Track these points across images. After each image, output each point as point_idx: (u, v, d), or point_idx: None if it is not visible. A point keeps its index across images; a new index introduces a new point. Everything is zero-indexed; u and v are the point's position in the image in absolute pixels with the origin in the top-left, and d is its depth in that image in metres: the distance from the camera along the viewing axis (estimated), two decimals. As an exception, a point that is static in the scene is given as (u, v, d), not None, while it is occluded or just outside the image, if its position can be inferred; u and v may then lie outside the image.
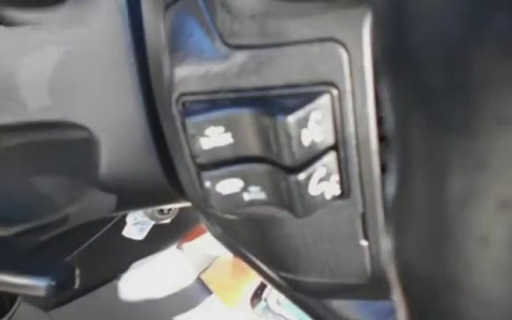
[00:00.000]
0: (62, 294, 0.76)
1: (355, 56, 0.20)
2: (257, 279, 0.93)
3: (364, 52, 0.20)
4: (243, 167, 0.22)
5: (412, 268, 0.13)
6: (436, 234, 0.12)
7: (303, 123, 0.20)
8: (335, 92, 0.21)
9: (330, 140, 0.21)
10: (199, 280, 0.85)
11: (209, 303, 0.84)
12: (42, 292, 0.31)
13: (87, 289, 0.76)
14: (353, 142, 0.22)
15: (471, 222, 0.12)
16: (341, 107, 0.21)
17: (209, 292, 0.85)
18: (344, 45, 0.20)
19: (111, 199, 0.31)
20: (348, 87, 0.21)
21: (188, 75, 0.23)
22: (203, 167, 0.22)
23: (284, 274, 0.27)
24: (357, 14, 0.20)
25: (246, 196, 0.23)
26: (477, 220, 0.12)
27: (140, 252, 0.76)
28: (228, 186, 0.22)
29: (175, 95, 0.23)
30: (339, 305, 0.32)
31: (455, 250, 0.12)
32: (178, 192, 0.30)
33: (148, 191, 0.30)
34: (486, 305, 0.12)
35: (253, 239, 0.26)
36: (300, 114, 0.20)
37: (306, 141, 0.20)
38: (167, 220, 0.72)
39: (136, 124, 0.27)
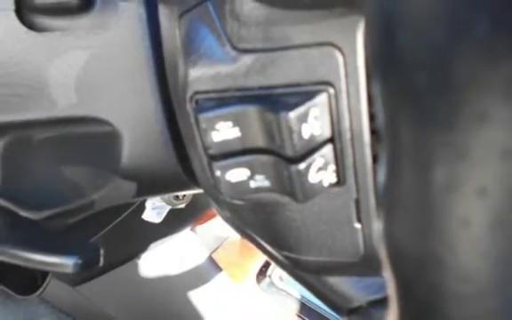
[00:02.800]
0: (88, 271, 0.76)
1: (349, 58, 0.20)
2: (262, 258, 0.93)
3: (358, 55, 0.20)
4: (249, 158, 0.22)
5: (401, 248, 0.13)
6: (422, 217, 0.12)
7: (303, 118, 0.20)
8: (332, 90, 0.21)
9: (327, 134, 0.21)
10: (210, 259, 0.85)
11: (219, 279, 0.85)
12: (70, 270, 0.31)
13: (110, 267, 0.76)
14: (348, 136, 0.22)
15: (453, 207, 0.12)
16: (337, 104, 0.21)
17: (219, 269, 0.85)
18: (340, 49, 0.20)
19: (132, 186, 0.31)
20: (343, 86, 0.21)
21: (201, 75, 0.23)
22: (214, 158, 0.23)
23: (286, 253, 0.27)
24: (352, 21, 0.20)
25: (252, 184, 0.23)
26: (459, 205, 0.12)
27: (158, 233, 0.76)
28: (237, 174, 0.22)
29: (189, 93, 0.23)
30: (335, 281, 0.32)
31: (439, 231, 0.12)
32: (191, 180, 0.30)
33: (165, 179, 0.31)
34: (466, 281, 0.12)
35: (259, 222, 0.26)
36: (300, 110, 0.20)
37: (306, 135, 0.21)
38: (182, 205, 0.72)
39: (154, 120, 0.28)
